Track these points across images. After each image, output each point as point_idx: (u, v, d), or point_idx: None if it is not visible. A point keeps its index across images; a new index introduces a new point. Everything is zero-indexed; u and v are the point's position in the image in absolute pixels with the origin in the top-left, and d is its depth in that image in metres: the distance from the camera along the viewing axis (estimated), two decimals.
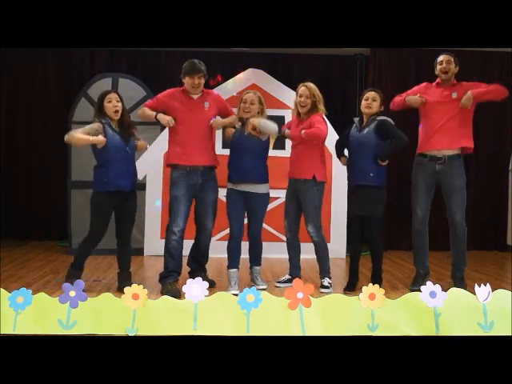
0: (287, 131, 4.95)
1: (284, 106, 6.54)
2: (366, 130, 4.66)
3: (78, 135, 4.41)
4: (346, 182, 5.01)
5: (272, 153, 4.79)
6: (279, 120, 6.40)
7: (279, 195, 6.07)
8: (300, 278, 4.87)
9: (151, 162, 6.30)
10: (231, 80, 6.66)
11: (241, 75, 6.66)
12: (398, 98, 4.93)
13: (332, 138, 6.10)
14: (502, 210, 7.40)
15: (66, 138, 4.45)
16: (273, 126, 4.58)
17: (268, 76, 6.68)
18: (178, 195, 4.60)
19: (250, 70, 6.68)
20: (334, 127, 6.29)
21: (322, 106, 4.75)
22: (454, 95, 4.70)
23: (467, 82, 4.84)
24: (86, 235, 4.61)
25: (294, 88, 6.75)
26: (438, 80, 4.83)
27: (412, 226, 4.82)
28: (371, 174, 4.60)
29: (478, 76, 7.26)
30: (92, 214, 4.56)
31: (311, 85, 4.75)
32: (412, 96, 4.80)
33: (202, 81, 4.66)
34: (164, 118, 4.58)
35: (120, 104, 4.52)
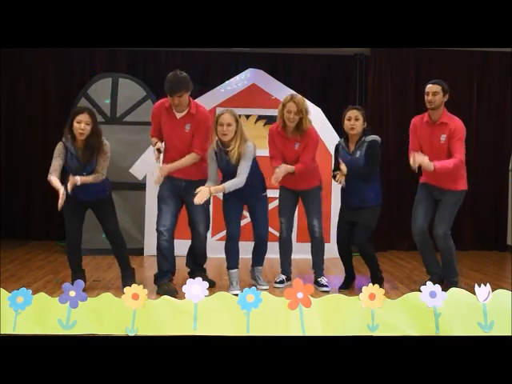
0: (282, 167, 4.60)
1: None
2: (357, 154, 4.60)
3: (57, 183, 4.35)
4: None
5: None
6: None
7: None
8: (291, 274, 4.90)
9: (151, 162, 6.28)
10: (231, 80, 6.65)
11: (241, 75, 6.66)
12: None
13: (331, 136, 6.12)
14: (502, 210, 7.39)
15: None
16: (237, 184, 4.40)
17: (268, 76, 6.68)
18: (162, 195, 4.58)
19: (250, 70, 6.68)
20: (333, 127, 6.30)
21: (308, 118, 4.60)
22: (443, 138, 4.56)
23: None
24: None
25: (294, 88, 6.80)
26: (426, 115, 4.66)
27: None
28: (372, 195, 4.63)
29: (478, 76, 7.31)
30: (64, 216, 4.57)
31: (299, 99, 4.58)
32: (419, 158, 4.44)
33: (183, 99, 4.42)
34: (153, 144, 4.59)
35: (88, 127, 4.34)
